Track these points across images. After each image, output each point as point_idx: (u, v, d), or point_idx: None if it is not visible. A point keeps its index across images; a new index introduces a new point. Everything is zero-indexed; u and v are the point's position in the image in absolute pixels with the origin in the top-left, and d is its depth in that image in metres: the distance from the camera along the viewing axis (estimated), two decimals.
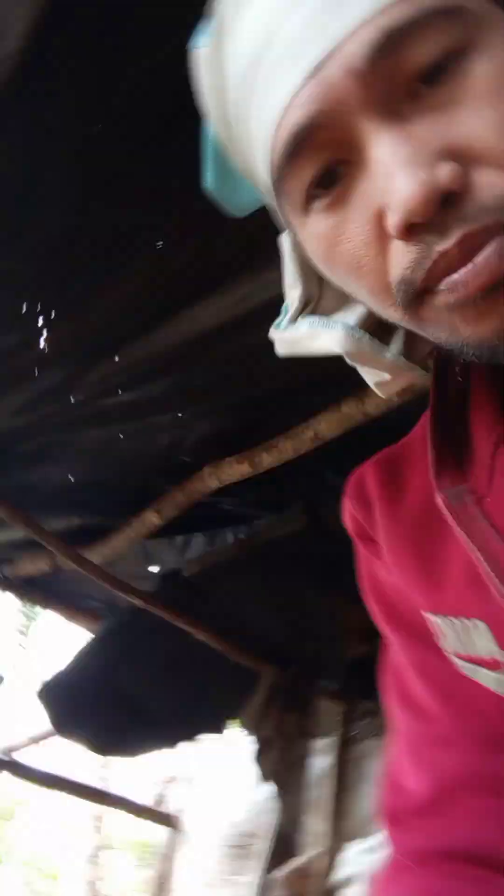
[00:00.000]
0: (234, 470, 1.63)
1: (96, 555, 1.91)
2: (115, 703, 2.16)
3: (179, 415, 1.47)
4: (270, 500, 1.98)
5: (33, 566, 2.01)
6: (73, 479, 1.70)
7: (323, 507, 1.82)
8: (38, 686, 2.11)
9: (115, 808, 2.70)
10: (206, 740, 2.99)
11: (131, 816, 2.79)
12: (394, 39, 0.39)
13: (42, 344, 1.21)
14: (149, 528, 1.85)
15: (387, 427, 1.33)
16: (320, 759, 2.31)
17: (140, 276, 1.08)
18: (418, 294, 0.44)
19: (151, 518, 1.82)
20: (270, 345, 0.57)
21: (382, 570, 0.65)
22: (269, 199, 0.50)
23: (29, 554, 1.98)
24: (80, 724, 2.22)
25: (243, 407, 1.51)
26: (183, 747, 3.01)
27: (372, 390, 0.73)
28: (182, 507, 1.77)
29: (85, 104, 0.82)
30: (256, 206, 0.57)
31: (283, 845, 2.31)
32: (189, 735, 2.62)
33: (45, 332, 1.18)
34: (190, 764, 2.91)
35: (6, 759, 2.21)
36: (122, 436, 1.55)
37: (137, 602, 1.89)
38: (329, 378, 1.34)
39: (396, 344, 0.54)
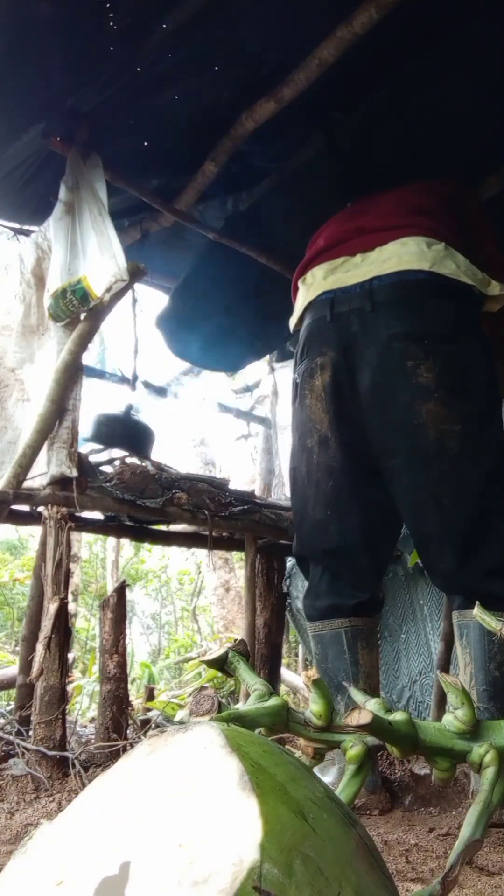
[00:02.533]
0: (264, 108, 2.16)
1: (181, 204, 2.54)
2: (210, 326, 2.96)
3: (216, 66, 1.97)
4: (293, 139, 2.50)
5: (135, 232, 2.66)
6: (147, 144, 2.28)
7: (334, 131, 2.36)
8: (153, 320, 2.93)
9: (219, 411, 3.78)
10: (280, 367, 3.91)
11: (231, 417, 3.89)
12: None
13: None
14: (209, 178, 2.45)
15: (373, 45, 1.82)
16: None
17: None
18: None
19: (210, 167, 2.40)
20: None
21: None
22: None
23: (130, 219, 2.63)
24: (188, 347, 3.07)
25: (260, 51, 1.99)
26: (263, 366, 3.94)
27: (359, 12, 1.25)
28: (230, 152, 2.34)
29: None
30: None
31: None
32: (265, 350, 3.51)
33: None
34: (270, 383, 3.87)
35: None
36: (177, 97, 2.08)
37: (211, 236, 2.57)
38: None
39: None
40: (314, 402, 1.74)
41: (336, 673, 1.69)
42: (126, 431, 2.76)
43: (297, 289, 1.94)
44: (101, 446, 2.72)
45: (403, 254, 1.71)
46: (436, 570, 1.66)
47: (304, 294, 1.86)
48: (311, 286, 1.83)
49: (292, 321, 1.95)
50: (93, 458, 2.33)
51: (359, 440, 1.71)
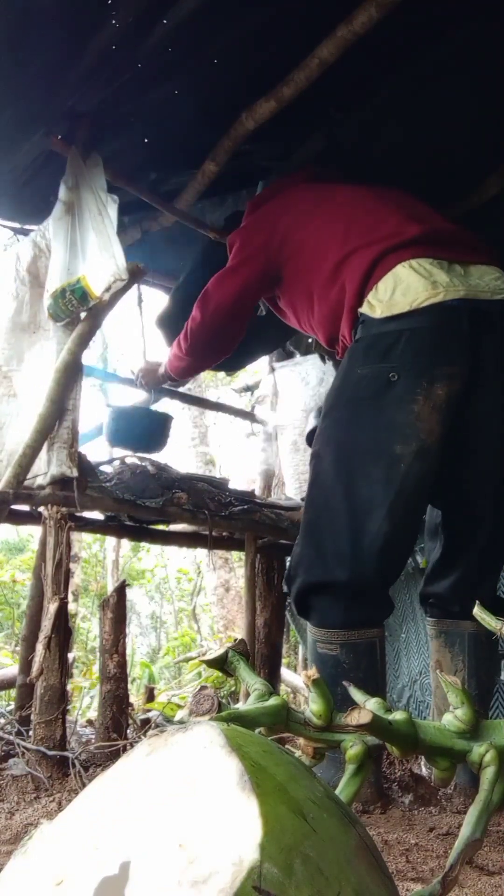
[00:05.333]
0: (264, 108, 2.16)
1: (181, 204, 2.54)
2: None
3: (215, 61, 1.97)
4: (293, 139, 2.50)
5: (135, 232, 2.66)
6: (147, 143, 2.28)
7: (334, 131, 2.36)
8: (154, 320, 2.93)
9: (218, 411, 3.78)
10: (280, 367, 3.91)
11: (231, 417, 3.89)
12: None
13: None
14: (209, 177, 2.44)
15: (373, 44, 1.82)
16: None
17: None
18: None
19: (210, 167, 2.40)
20: None
21: None
22: None
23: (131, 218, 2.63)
24: None
25: (260, 50, 1.99)
26: (263, 366, 3.95)
27: (359, 11, 1.24)
28: (230, 152, 2.34)
29: None
30: None
31: None
32: (265, 350, 3.51)
33: None
34: (270, 383, 3.87)
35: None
36: (177, 93, 2.08)
37: (211, 235, 2.57)
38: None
39: None
40: (429, 410, 1.61)
41: (367, 682, 1.60)
42: (144, 427, 2.56)
43: (383, 268, 1.72)
44: (117, 447, 2.58)
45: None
46: (466, 584, 1.81)
47: (418, 284, 1.66)
48: (430, 280, 1.67)
49: (383, 306, 1.68)
50: (92, 459, 2.33)
51: (449, 459, 1.70)
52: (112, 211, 2.05)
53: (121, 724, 1.95)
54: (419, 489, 1.65)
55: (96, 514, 2.42)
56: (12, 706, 2.26)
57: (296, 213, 1.98)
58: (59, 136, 2.14)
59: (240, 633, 5.33)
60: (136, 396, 3.30)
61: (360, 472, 1.66)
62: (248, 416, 4.04)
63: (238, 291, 2.04)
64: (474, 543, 1.81)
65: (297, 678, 3.91)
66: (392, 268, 1.71)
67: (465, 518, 1.82)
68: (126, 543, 7.23)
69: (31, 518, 2.22)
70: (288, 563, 1.80)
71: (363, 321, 1.73)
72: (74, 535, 2.25)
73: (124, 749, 1.85)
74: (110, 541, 7.23)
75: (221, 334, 2.14)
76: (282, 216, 2.00)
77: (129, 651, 3.00)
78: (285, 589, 3.04)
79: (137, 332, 2.85)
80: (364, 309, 1.73)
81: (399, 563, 1.73)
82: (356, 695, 0.84)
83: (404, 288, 1.68)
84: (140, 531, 2.60)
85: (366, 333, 1.72)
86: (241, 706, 0.78)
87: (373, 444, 1.66)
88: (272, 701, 0.79)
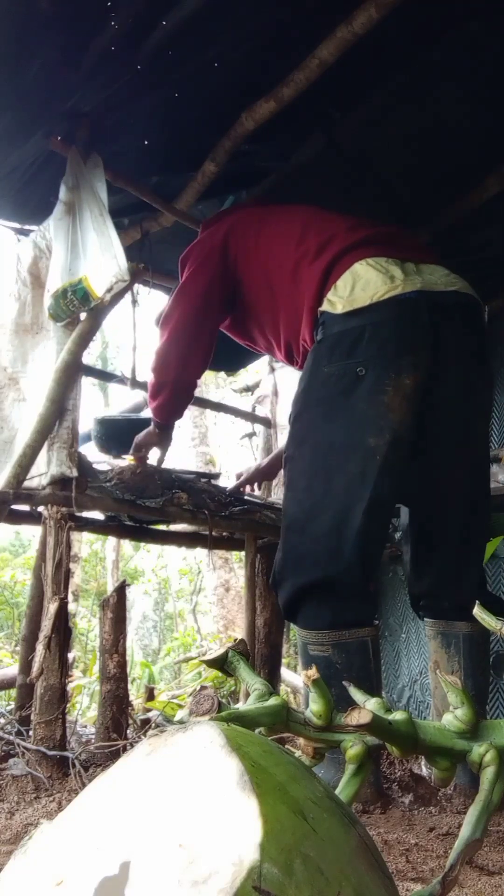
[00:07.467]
0: (264, 109, 2.16)
1: (181, 204, 2.54)
2: None
3: (215, 63, 1.97)
4: (293, 139, 2.49)
5: (136, 232, 2.66)
6: (147, 144, 2.28)
7: (334, 131, 2.37)
8: (154, 320, 2.93)
9: (218, 411, 3.78)
10: (280, 366, 3.91)
11: (232, 417, 3.88)
12: None
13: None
14: (209, 178, 2.44)
15: (370, 45, 1.82)
16: None
17: None
18: None
19: (210, 167, 2.40)
20: None
21: None
22: None
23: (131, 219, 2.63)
24: None
25: (260, 50, 1.99)
26: (263, 366, 3.95)
27: (359, 12, 1.24)
28: (230, 152, 2.33)
29: None
30: None
31: None
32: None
33: None
34: (270, 383, 3.87)
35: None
36: (177, 94, 2.08)
37: None
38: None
39: None
40: (399, 400, 1.63)
41: (361, 682, 1.58)
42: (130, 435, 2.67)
43: (341, 268, 1.75)
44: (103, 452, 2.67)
45: (456, 278, 1.80)
46: (450, 577, 1.81)
47: (377, 279, 1.69)
48: (387, 275, 1.69)
49: (343, 302, 1.70)
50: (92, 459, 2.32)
51: (420, 448, 1.73)
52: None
53: (121, 724, 1.95)
54: (394, 481, 1.66)
55: (96, 514, 2.42)
56: (12, 706, 2.26)
57: (249, 222, 2.02)
58: (60, 137, 2.14)
59: (240, 633, 5.33)
60: (133, 398, 3.31)
61: (337, 469, 1.66)
62: (249, 416, 4.04)
63: (205, 287, 1.98)
64: (445, 535, 1.80)
65: (297, 678, 3.91)
66: (349, 266, 1.74)
67: (434, 510, 1.82)
68: (127, 543, 7.23)
69: (31, 518, 2.22)
70: (273, 569, 1.78)
71: (323, 321, 1.75)
72: (74, 535, 2.25)
73: (124, 749, 1.85)
74: (110, 540, 7.23)
75: (188, 346, 2.02)
76: (234, 226, 2.03)
77: (128, 651, 3.00)
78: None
79: (136, 332, 2.84)
80: (324, 307, 1.75)
81: (378, 555, 1.74)
82: (356, 695, 0.84)
83: (363, 283, 1.71)
84: (140, 531, 2.60)
85: (328, 332, 1.73)
86: (241, 706, 0.78)
87: (347, 439, 1.66)
88: (272, 701, 0.79)
